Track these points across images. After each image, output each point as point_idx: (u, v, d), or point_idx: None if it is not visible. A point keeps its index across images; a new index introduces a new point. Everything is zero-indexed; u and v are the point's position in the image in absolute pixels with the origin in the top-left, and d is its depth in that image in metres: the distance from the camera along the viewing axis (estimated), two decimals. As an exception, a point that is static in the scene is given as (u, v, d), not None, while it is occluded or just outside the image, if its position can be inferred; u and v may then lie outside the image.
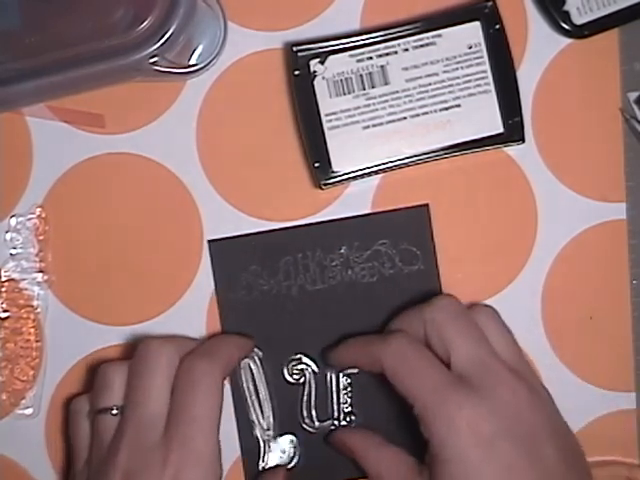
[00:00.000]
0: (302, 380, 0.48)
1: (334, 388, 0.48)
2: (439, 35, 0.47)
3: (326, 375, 0.48)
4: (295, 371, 0.48)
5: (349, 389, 0.48)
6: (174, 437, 0.41)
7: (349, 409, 0.48)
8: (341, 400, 0.48)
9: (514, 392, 0.41)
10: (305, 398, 0.48)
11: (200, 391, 0.42)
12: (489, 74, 0.47)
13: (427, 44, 0.47)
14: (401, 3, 0.49)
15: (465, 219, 0.49)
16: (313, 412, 0.48)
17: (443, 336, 0.43)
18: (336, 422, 0.48)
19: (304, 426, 0.48)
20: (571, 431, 0.44)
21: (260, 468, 0.48)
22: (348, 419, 0.48)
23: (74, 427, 0.45)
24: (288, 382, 0.48)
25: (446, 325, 0.43)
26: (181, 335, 0.48)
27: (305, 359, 0.48)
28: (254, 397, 0.48)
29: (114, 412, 0.43)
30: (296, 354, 0.48)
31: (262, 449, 0.48)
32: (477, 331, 0.43)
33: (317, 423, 0.48)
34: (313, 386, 0.48)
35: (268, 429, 0.48)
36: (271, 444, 0.48)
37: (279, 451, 0.48)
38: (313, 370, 0.48)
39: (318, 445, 0.48)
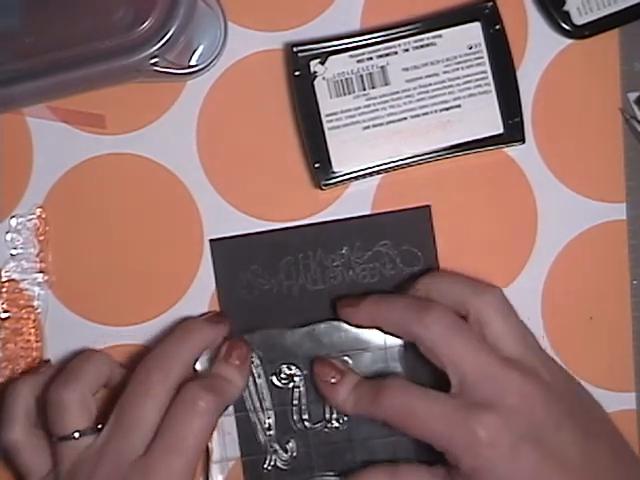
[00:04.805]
0: (291, 384, 0.48)
1: None
2: (439, 35, 0.47)
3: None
4: (283, 375, 0.48)
5: None
6: (156, 464, 0.41)
7: None
8: None
9: (523, 397, 0.42)
10: (295, 402, 0.48)
11: (197, 427, 0.42)
12: (489, 74, 0.47)
13: (427, 44, 0.47)
14: (401, 3, 0.49)
15: (465, 219, 0.49)
16: (305, 415, 0.48)
17: (439, 352, 0.43)
18: (329, 424, 0.48)
19: (296, 430, 0.48)
20: (598, 404, 0.46)
21: (265, 470, 0.48)
22: (341, 420, 0.48)
23: (22, 459, 0.44)
24: (277, 387, 0.48)
25: (441, 341, 0.43)
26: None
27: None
28: (255, 398, 0.48)
29: (76, 436, 0.42)
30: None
31: (266, 451, 0.48)
32: (475, 340, 0.43)
33: (309, 425, 0.48)
34: (303, 389, 0.48)
35: (270, 429, 0.48)
36: (274, 444, 0.48)
37: (282, 451, 0.48)
38: (302, 373, 0.48)
39: (313, 446, 0.48)
